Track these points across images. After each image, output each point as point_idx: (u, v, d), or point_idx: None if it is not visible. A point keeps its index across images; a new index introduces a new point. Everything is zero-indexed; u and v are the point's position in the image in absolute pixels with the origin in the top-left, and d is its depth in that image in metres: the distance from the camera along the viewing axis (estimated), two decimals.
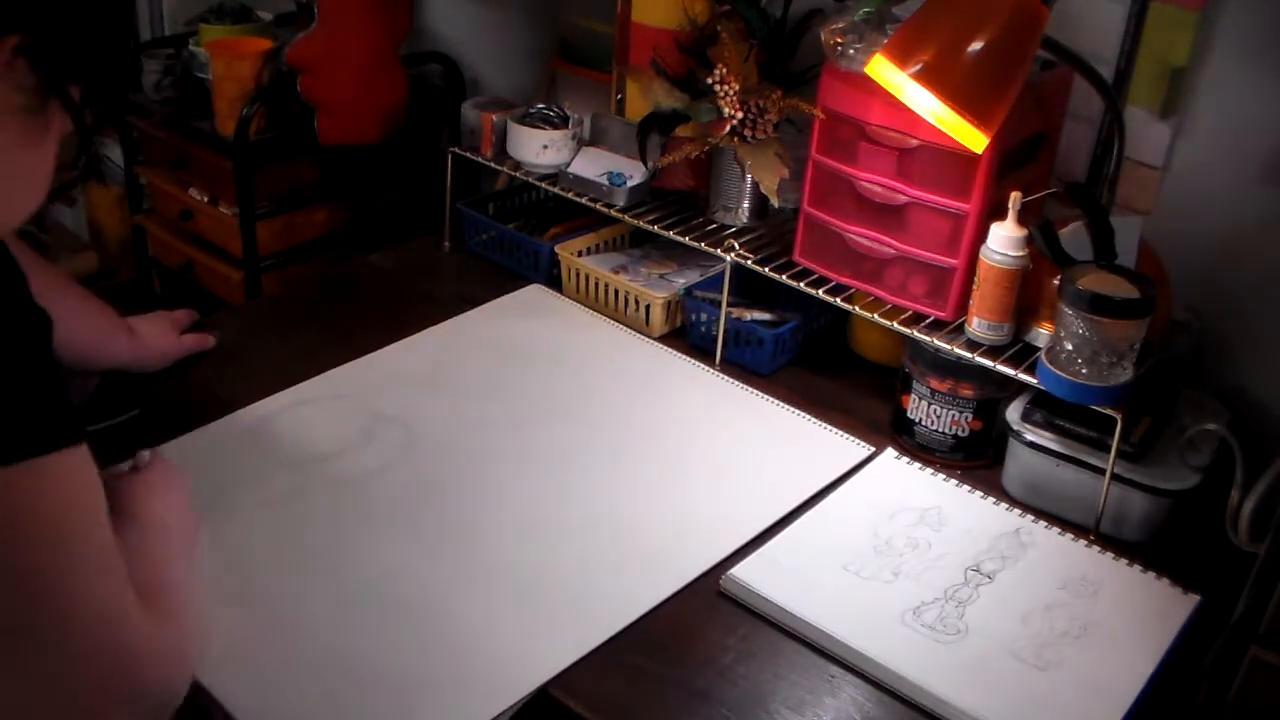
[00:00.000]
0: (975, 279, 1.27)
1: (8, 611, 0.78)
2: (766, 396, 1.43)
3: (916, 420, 1.34)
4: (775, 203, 1.47)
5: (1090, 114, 1.40)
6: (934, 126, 1.20)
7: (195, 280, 2.10)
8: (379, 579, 1.11)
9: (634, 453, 1.32)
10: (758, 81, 1.44)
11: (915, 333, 1.32)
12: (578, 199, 1.61)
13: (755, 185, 1.49)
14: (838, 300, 1.40)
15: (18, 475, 0.76)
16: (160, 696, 0.84)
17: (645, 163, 1.52)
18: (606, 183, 1.59)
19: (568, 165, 1.63)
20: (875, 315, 1.36)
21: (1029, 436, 1.25)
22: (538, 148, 1.62)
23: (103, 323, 1.33)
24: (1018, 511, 1.25)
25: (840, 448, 1.35)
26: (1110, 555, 1.20)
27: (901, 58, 1.13)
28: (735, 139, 1.45)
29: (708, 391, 1.44)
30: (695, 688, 1.03)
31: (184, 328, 1.45)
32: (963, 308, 1.31)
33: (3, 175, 0.84)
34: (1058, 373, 1.18)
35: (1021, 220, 1.23)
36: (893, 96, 1.19)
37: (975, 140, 1.16)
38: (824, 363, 1.52)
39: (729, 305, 1.47)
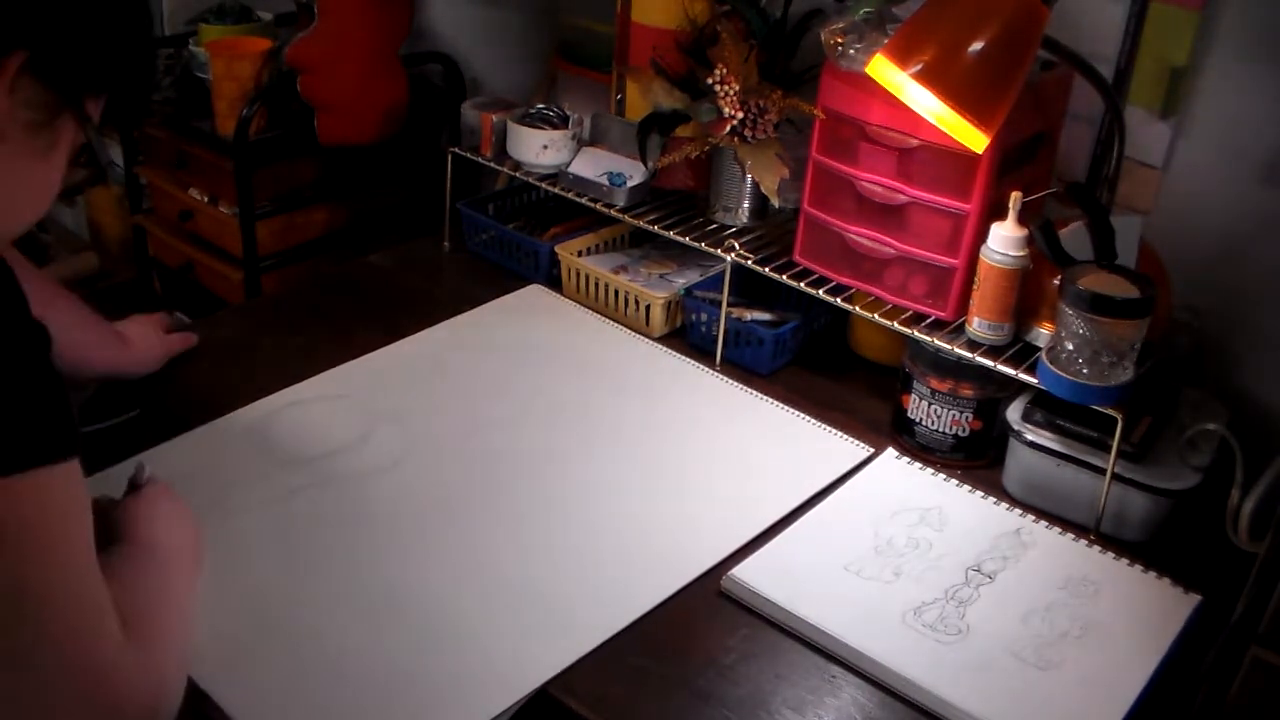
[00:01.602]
0: (975, 279, 1.27)
1: None
2: (767, 397, 1.43)
3: (917, 420, 1.34)
4: (775, 203, 1.47)
5: (1090, 114, 1.40)
6: (934, 126, 1.20)
7: (195, 280, 2.10)
8: (378, 579, 1.11)
9: (634, 453, 1.32)
10: (758, 81, 1.44)
11: (915, 333, 1.32)
12: (578, 199, 1.61)
13: (755, 185, 1.49)
14: (838, 300, 1.40)
15: (11, 485, 0.76)
16: None
17: (645, 163, 1.52)
18: (606, 183, 1.59)
19: (568, 165, 1.63)
20: (875, 315, 1.36)
21: (1029, 436, 1.25)
22: (538, 148, 1.62)
23: (94, 331, 1.33)
24: (1018, 511, 1.25)
25: (841, 448, 1.35)
26: (1111, 555, 1.20)
27: (902, 58, 1.13)
28: (735, 139, 1.45)
29: (708, 392, 1.44)
30: (696, 688, 1.03)
31: (169, 328, 1.45)
32: (963, 308, 1.31)
33: (7, 186, 0.83)
34: (1058, 373, 1.18)
35: (1022, 220, 1.23)
36: (893, 96, 1.19)
37: (976, 140, 1.16)
38: (824, 363, 1.52)
39: (729, 305, 1.47)
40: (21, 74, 0.80)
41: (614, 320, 1.58)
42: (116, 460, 1.24)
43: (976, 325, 1.28)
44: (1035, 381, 1.22)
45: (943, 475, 1.31)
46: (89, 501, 0.84)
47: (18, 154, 0.83)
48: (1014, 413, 1.28)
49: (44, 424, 0.79)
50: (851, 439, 1.36)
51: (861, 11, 1.28)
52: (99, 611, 0.81)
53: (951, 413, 1.31)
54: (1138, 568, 1.18)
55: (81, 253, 2.54)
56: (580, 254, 1.65)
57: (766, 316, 1.51)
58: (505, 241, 1.71)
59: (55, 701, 0.78)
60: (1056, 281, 1.21)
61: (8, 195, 0.84)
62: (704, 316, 1.51)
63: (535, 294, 1.64)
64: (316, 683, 1.00)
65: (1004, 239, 1.23)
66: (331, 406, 1.37)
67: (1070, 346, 1.18)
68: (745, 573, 1.13)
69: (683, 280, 1.59)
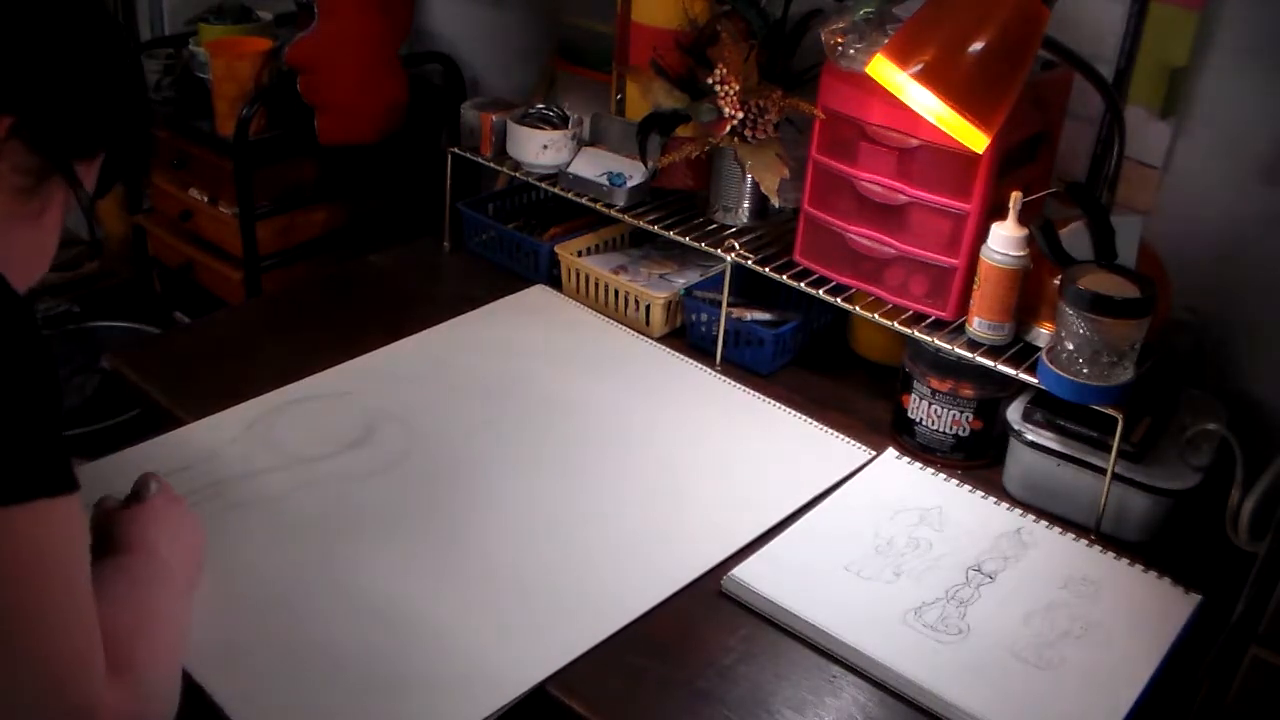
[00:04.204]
0: (976, 279, 1.27)
1: None
2: (766, 397, 1.43)
3: (917, 420, 1.34)
4: (775, 203, 1.47)
5: (1090, 114, 1.39)
6: (934, 126, 1.20)
7: (195, 280, 2.10)
8: (377, 577, 1.11)
9: (634, 453, 1.32)
10: (758, 81, 1.44)
11: (916, 333, 1.32)
12: (578, 199, 1.61)
13: (755, 185, 1.49)
14: (838, 300, 1.40)
15: (9, 515, 0.75)
16: None
17: (645, 163, 1.52)
18: (606, 183, 1.58)
19: (568, 165, 1.63)
20: (876, 315, 1.36)
21: (1030, 436, 1.25)
22: (537, 148, 1.62)
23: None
24: (1019, 511, 1.25)
25: (841, 450, 1.35)
26: (1111, 555, 1.20)
27: (902, 58, 1.13)
28: (735, 139, 1.45)
29: (708, 392, 1.44)
30: (696, 688, 1.03)
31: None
32: (963, 308, 1.31)
33: (4, 247, 0.83)
34: (1059, 372, 1.18)
35: (1022, 220, 1.23)
36: (893, 96, 1.19)
37: (976, 140, 1.16)
38: (824, 363, 1.52)
39: (729, 305, 1.47)
40: (9, 139, 0.80)
41: (614, 320, 1.58)
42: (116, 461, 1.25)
43: (977, 325, 1.28)
44: (1035, 381, 1.22)
45: (943, 475, 1.31)
46: (86, 537, 0.83)
47: (7, 218, 0.83)
48: (1014, 413, 1.28)
49: (46, 456, 0.78)
50: (852, 442, 1.36)
51: (861, 11, 1.28)
52: (87, 650, 0.79)
53: (952, 413, 1.31)
54: (1138, 568, 1.18)
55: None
56: (580, 254, 1.65)
57: (766, 316, 1.51)
58: (505, 241, 1.71)
59: None
60: (1056, 281, 1.21)
61: (6, 254, 0.82)
62: (704, 316, 1.51)
63: (538, 294, 1.64)
64: (313, 679, 1.00)
65: (1004, 239, 1.23)
66: (331, 405, 1.37)
67: (1070, 346, 1.18)
68: (745, 573, 1.13)
69: (683, 280, 1.59)
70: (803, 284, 1.42)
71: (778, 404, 1.42)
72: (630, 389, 1.44)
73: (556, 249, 1.63)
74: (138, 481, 1.08)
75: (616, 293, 1.58)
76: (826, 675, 1.05)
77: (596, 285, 1.60)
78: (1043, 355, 1.21)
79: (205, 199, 2.02)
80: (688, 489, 1.27)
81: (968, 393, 1.31)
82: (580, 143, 1.66)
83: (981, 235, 1.26)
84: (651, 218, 1.56)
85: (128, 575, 0.96)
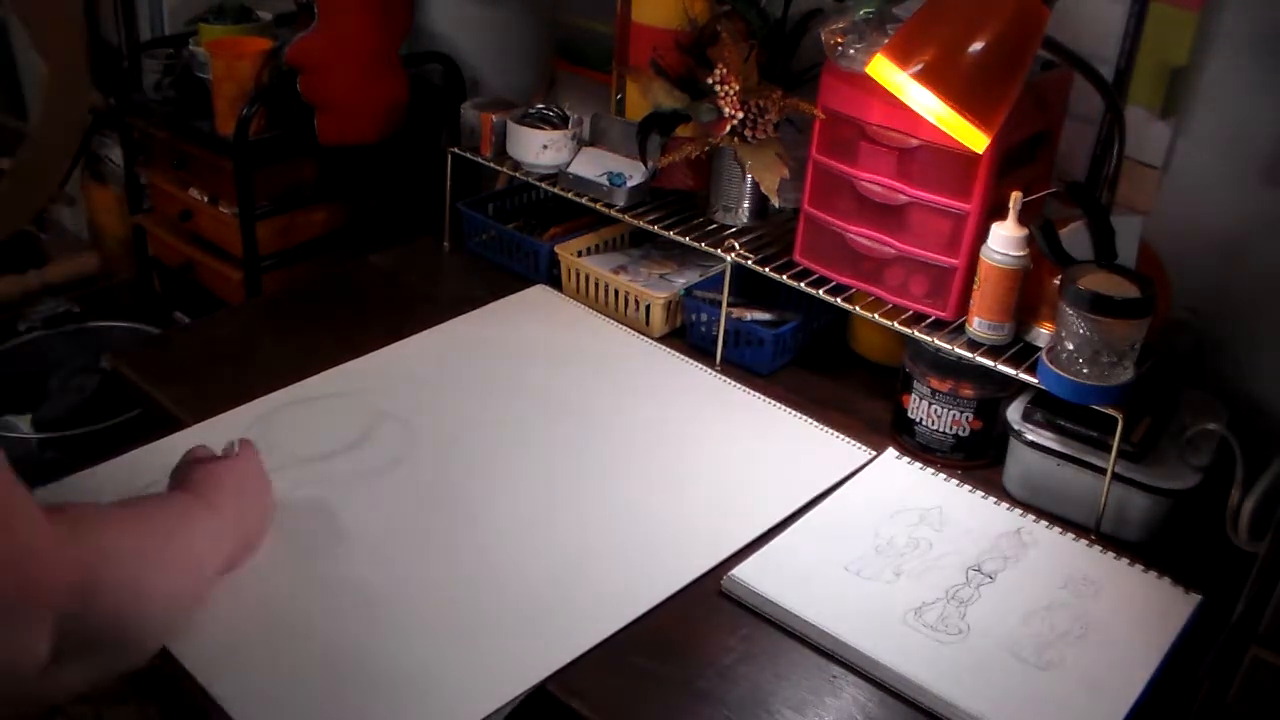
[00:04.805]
0: (976, 279, 1.27)
1: None
2: (766, 397, 1.43)
3: (917, 420, 1.34)
4: (775, 203, 1.47)
5: (1090, 114, 1.39)
6: (934, 126, 1.20)
7: (195, 280, 2.10)
8: (378, 577, 1.12)
9: (634, 452, 1.32)
10: (758, 81, 1.44)
11: (916, 333, 1.32)
12: (578, 199, 1.61)
13: (755, 185, 1.49)
14: (838, 300, 1.40)
15: None
16: (64, 602, 0.78)
17: (645, 163, 1.52)
18: (606, 183, 1.58)
19: (567, 165, 1.63)
20: (876, 315, 1.36)
21: (1030, 436, 1.25)
22: (537, 148, 1.62)
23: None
24: (1019, 511, 1.25)
25: (841, 450, 1.35)
26: (1111, 555, 1.20)
27: (902, 58, 1.13)
28: (735, 139, 1.45)
29: (708, 392, 1.44)
30: (697, 688, 1.03)
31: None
32: (963, 308, 1.31)
33: None
34: (1059, 372, 1.18)
35: (1022, 220, 1.23)
36: (893, 96, 1.19)
37: (976, 140, 1.16)
38: (824, 363, 1.52)
39: (729, 305, 1.47)
40: None
41: (614, 320, 1.58)
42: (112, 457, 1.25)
43: (977, 325, 1.28)
44: (1035, 381, 1.22)
45: (943, 475, 1.31)
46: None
47: None
48: (1014, 412, 1.28)
49: None
50: (852, 441, 1.36)
51: (861, 11, 1.28)
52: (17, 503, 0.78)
53: (952, 413, 1.31)
54: (1138, 568, 1.18)
55: (81, 253, 2.54)
56: (580, 254, 1.65)
57: (766, 316, 1.51)
58: (505, 241, 1.71)
59: None
60: (1056, 281, 1.21)
61: None
62: (704, 316, 1.51)
63: (539, 294, 1.64)
64: (314, 678, 1.00)
65: (1004, 239, 1.23)
66: (332, 405, 1.37)
67: (1070, 346, 1.18)
68: (746, 573, 1.13)
69: (683, 280, 1.59)
70: (803, 284, 1.42)
71: (777, 404, 1.42)
72: (630, 389, 1.44)
73: (556, 249, 1.63)
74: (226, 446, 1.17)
75: (616, 293, 1.58)
76: (826, 675, 1.05)
77: (596, 285, 1.60)
78: (1043, 355, 1.22)
79: (205, 199, 2.01)
80: (688, 489, 1.27)
81: (968, 393, 1.31)
82: (580, 143, 1.66)
83: (981, 235, 1.26)
84: (651, 218, 1.56)
85: (146, 502, 1.01)
